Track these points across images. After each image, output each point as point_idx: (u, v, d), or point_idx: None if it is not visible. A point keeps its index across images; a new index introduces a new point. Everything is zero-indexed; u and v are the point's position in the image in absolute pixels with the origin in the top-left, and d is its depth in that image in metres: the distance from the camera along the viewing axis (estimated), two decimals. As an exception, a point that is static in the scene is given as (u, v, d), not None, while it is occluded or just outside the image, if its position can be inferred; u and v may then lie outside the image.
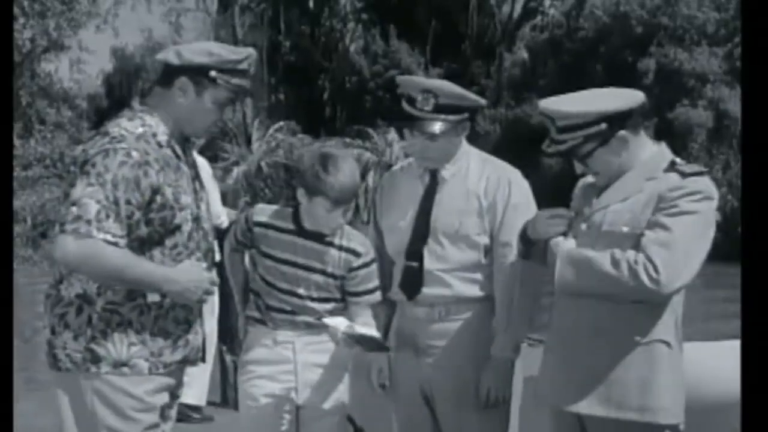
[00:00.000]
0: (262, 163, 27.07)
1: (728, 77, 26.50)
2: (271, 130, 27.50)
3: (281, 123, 28.02)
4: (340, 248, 3.50)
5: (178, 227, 3.01)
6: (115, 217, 2.85)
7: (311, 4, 37.19)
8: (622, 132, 3.04)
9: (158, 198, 2.94)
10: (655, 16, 28.30)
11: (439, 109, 3.49)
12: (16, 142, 23.27)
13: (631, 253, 2.91)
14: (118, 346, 2.94)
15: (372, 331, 3.42)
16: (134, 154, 2.90)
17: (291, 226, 3.50)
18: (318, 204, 3.40)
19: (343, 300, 3.54)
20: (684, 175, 3.02)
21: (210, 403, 6.87)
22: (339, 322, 3.38)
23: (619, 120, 3.03)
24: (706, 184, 3.03)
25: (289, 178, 26.42)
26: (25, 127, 25.51)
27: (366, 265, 3.52)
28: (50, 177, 24.95)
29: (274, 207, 3.60)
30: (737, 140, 24.32)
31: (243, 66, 3.05)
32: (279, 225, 3.51)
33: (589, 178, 3.26)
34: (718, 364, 3.53)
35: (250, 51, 3.10)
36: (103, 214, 2.84)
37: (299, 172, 3.53)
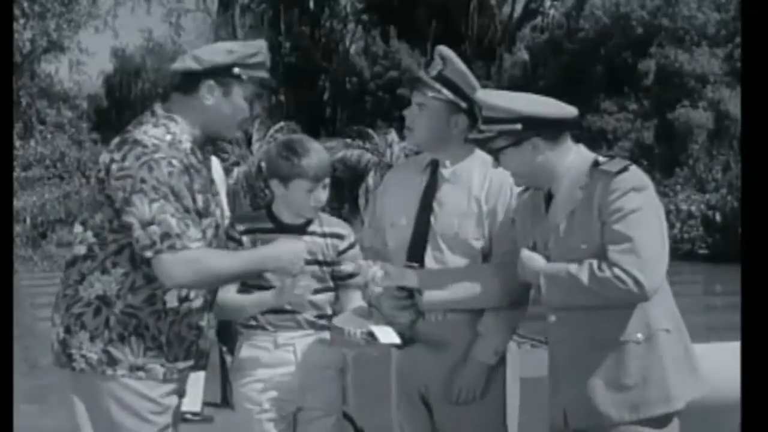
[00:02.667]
0: (262, 164, 27.09)
1: (728, 78, 26.52)
2: (271, 131, 27.52)
3: (281, 124, 28.04)
4: (324, 235, 3.51)
5: (203, 234, 3.00)
6: (192, 224, 2.88)
7: (311, 4, 37.22)
8: (536, 138, 3.08)
9: (195, 206, 2.96)
10: (656, 17, 28.33)
11: (440, 79, 3.52)
12: (17, 142, 23.30)
13: (606, 268, 2.93)
14: (135, 350, 2.93)
15: (391, 336, 3.39)
16: (175, 162, 2.89)
17: (270, 225, 3.50)
18: (296, 188, 3.41)
19: (336, 287, 3.54)
20: (610, 175, 3.02)
21: (210, 403, 6.88)
22: (351, 323, 3.37)
23: (534, 125, 3.07)
24: (633, 177, 3.03)
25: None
26: (26, 128, 25.56)
27: (352, 246, 3.54)
28: (50, 177, 24.99)
29: (247, 213, 3.60)
30: (737, 141, 24.33)
31: (260, 58, 3.07)
32: (262, 227, 3.51)
33: (518, 191, 3.35)
34: (718, 365, 3.53)
35: (262, 42, 3.13)
36: (183, 225, 2.85)
37: (268, 164, 3.53)
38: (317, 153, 3.45)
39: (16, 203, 20.82)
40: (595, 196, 3.01)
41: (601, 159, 3.11)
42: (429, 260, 3.50)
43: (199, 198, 2.96)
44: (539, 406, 3.28)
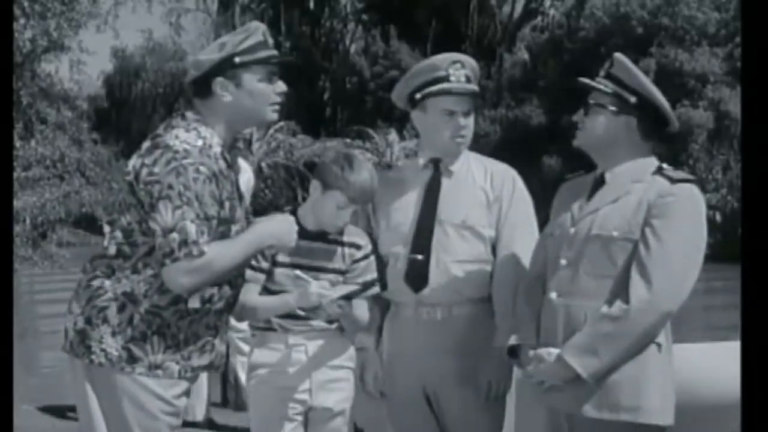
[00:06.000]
0: (263, 164, 27.10)
1: (729, 78, 26.52)
2: (271, 131, 27.51)
3: (281, 123, 28.02)
4: (343, 244, 3.52)
5: None
6: (207, 231, 2.88)
7: (312, 4, 37.24)
8: (635, 120, 3.12)
9: (221, 213, 2.96)
10: (656, 17, 28.32)
11: (468, 80, 3.57)
12: (17, 142, 23.28)
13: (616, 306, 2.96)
14: (156, 348, 2.94)
15: (362, 309, 3.46)
16: (202, 168, 2.89)
17: None
18: (331, 198, 3.42)
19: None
20: (672, 180, 3.07)
21: (211, 404, 6.86)
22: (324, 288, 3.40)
23: (645, 109, 3.11)
24: (693, 190, 3.09)
25: (289, 178, 26.41)
26: (26, 128, 25.50)
27: (366, 256, 3.55)
28: (50, 178, 24.96)
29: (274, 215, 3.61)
30: (737, 141, 24.34)
31: (257, 38, 3.05)
32: None
33: (564, 189, 3.34)
34: (718, 365, 3.53)
35: (254, 23, 3.12)
36: (200, 231, 2.86)
37: (320, 164, 3.57)
38: (368, 180, 3.45)
39: (17, 203, 20.80)
40: (650, 193, 3.04)
41: (665, 166, 3.15)
42: (436, 249, 3.52)
43: (227, 204, 2.97)
44: (535, 406, 3.28)
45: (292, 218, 3.16)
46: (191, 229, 2.83)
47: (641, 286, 2.94)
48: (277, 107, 3.11)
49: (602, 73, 3.20)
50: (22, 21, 22.96)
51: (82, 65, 29.64)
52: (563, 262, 3.13)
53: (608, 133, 3.14)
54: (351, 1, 37.90)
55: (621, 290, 2.99)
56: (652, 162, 3.15)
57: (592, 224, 3.09)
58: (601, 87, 3.15)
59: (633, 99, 3.11)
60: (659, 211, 3.00)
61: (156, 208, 2.84)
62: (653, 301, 2.94)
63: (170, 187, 2.84)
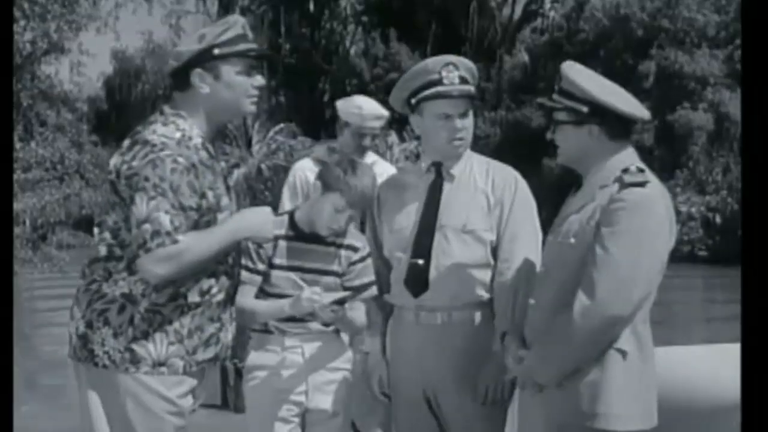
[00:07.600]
0: (262, 166, 27.09)
1: (729, 80, 26.51)
2: (271, 133, 27.51)
3: (281, 125, 28.02)
4: (340, 246, 3.53)
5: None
6: (186, 222, 2.89)
7: (312, 6, 37.23)
8: (596, 126, 3.09)
9: (204, 202, 2.97)
10: (656, 19, 28.32)
11: (463, 81, 3.55)
12: (17, 144, 23.28)
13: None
14: (159, 346, 2.95)
15: (360, 313, 3.47)
16: (180, 159, 2.90)
17: (290, 232, 3.52)
18: (329, 200, 3.42)
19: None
20: (623, 185, 3.02)
21: (210, 406, 6.88)
22: (318, 293, 3.38)
23: (600, 114, 3.07)
24: (643, 195, 3.01)
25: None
26: (26, 130, 25.52)
27: (363, 259, 3.55)
28: (50, 179, 24.97)
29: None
30: (738, 143, 24.33)
31: (237, 31, 3.06)
32: (282, 233, 3.52)
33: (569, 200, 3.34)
34: (718, 367, 3.53)
35: (235, 16, 3.14)
36: (177, 221, 2.87)
37: (324, 165, 3.62)
38: (369, 186, 3.46)
39: (16, 205, 20.80)
40: (603, 198, 3.02)
41: (632, 168, 3.08)
42: (436, 254, 3.52)
43: (209, 194, 2.98)
44: (536, 410, 3.28)
45: (268, 210, 3.15)
46: (164, 219, 2.84)
47: (582, 294, 2.94)
48: (255, 99, 3.11)
49: (556, 87, 3.18)
50: (22, 23, 22.96)
51: (82, 67, 29.59)
52: (542, 269, 3.20)
53: (578, 145, 3.13)
54: (351, 3, 37.88)
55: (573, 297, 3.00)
56: (623, 163, 3.10)
57: (560, 232, 3.11)
58: (554, 105, 3.15)
59: (585, 109, 3.08)
60: (605, 218, 2.99)
61: (133, 200, 2.86)
62: (594, 308, 2.92)
63: (146, 179, 2.86)
